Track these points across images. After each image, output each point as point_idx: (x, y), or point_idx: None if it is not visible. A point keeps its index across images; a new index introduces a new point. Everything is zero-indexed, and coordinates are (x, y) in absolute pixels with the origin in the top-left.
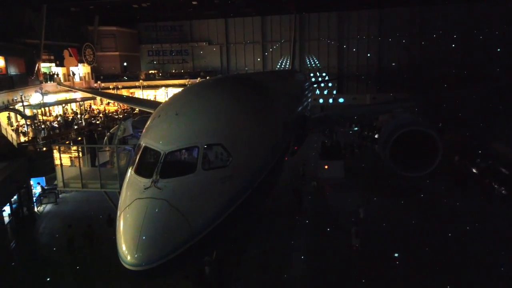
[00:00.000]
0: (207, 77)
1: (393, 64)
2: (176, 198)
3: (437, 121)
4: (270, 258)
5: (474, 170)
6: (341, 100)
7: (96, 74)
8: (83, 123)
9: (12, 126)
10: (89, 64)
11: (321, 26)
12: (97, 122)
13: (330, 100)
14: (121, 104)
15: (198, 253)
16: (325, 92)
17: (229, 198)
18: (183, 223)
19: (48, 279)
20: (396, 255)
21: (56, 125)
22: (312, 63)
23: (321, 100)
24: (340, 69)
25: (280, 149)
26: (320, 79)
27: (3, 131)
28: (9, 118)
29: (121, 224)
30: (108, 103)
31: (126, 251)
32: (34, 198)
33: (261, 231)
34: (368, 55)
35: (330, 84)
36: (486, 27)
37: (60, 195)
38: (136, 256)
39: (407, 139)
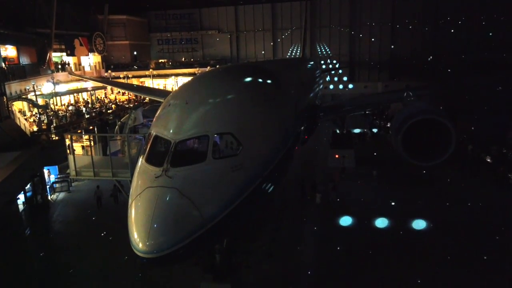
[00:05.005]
0: (217, 66)
1: (406, 51)
2: (186, 186)
3: (451, 109)
4: (280, 247)
5: (487, 159)
6: (351, 86)
7: (107, 63)
8: (92, 114)
9: (25, 115)
10: (99, 53)
11: (332, 13)
12: (109, 112)
13: (340, 86)
14: (131, 94)
15: (208, 241)
16: (336, 79)
17: (240, 187)
18: (193, 211)
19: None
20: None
21: (68, 114)
22: (323, 50)
23: (331, 86)
24: (351, 57)
25: (290, 138)
26: (331, 66)
27: (17, 120)
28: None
29: (132, 212)
30: (119, 92)
31: (137, 238)
32: (48, 186)
33: (272, 220)
34: (381, 41)
35: (340, 72)
36: (505, 11)
37: (72, 184)
38: (147, 243)
39: (419, 128)
